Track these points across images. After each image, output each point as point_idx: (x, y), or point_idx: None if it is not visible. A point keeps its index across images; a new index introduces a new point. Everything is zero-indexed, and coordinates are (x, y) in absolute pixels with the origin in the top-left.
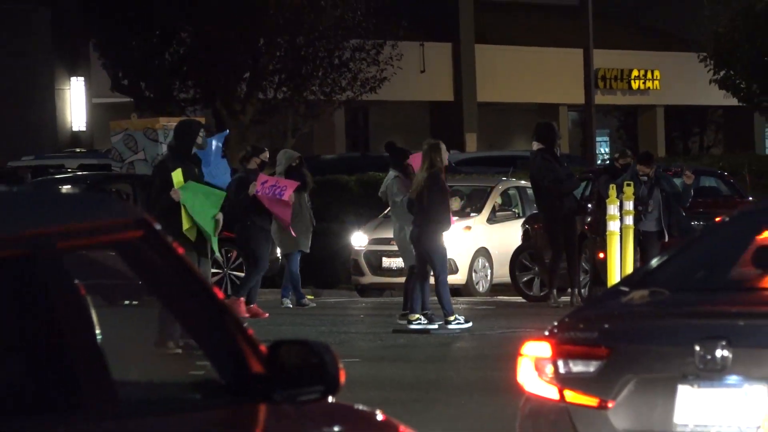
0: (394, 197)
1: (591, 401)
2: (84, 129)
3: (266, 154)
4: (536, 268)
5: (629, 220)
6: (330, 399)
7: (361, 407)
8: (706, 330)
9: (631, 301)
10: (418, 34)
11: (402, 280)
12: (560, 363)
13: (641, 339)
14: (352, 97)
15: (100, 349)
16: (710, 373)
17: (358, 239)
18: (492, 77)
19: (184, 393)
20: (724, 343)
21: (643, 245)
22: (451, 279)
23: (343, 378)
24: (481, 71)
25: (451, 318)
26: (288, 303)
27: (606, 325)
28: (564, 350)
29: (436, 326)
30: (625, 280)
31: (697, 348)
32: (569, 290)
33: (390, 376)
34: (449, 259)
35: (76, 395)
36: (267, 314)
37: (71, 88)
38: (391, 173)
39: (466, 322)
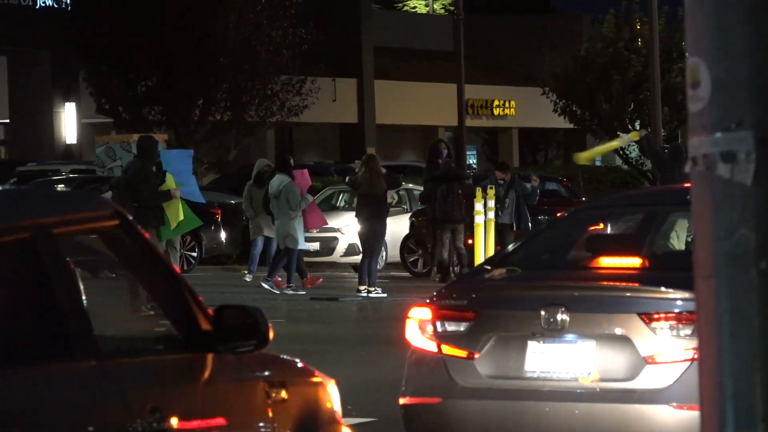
0: (294, 200)
1: (461, 353)
2: (75, 142)
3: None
4: (420, 251)
5: (491, 215)
6: (261, 351)
7: (285, 357)
8: (550, 299)
9: (492, 277)
10: (331, 72)
11: (317, 259)
12: (438, 324)
13: (500, 305)
14: (280, 120)
15: (85, 311)
16: (552, 332)
17: None
18: (388, 105)
19: (149, 344)
20: (563, 309)
21: (500, 234)
22: (355, 259)
23: (271, 334)
24: (379, 100)
25: (372, 288)
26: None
27: (473, 295)
28: (441, 314)
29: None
30: (488, 261)
31: (543, 313)
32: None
33: (307, 333)
34: (354, 243)
35: (66, 346)
36: (320, 279)
37: (65, 111)
38: (285, 178)
39: (383, 292)
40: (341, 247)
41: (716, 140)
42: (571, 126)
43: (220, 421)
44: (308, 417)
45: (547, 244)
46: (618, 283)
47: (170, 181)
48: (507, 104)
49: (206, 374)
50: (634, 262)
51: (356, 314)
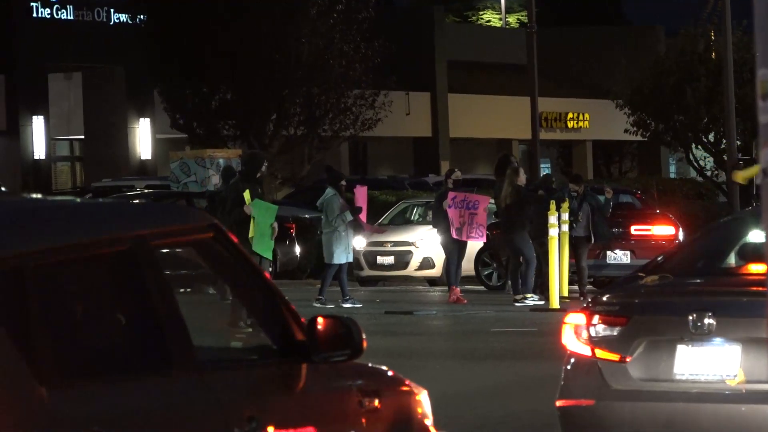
0: (331, 214)
1: (614, 357)
2: (150, 158)
3: (458, 174)
4: (494, 264)
5: (565, 228)
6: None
7: (377, 366)
8: (698, 304)
9: (645, 284)
10: (404, 86)
11: (391, 273)
12: (592, 329)
13: (651, 311)
14: (354, 134)
15: (184, 323)
16: (700, 336)
17: (359, 242)
18: (461, 118)
19: (245, 355)
20: (710, 314)
21: (574, 247)
22: (429, 272)
23: (365, 344)
24: (453, 114)
25: (528, 295)
26: None
27: (625, 301)
28: (595, 319)
29: (538, 301)
30: (641, 269)
31: (691, 317)
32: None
33: (382, 347)
34: (428, 257)
35: (166, 357)
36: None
37: (140, 127)
38: (330, 191)
39: (540, 300)
40: (416, 261)
41: None
42: (645, 138)
43: (314, 429)
44: (401, 426)
45: (699, 252)
46: (763, 288)
47: (247, 196)
48: (581, 117)
49: (301, 383)
50: None
51: (430, 328)
